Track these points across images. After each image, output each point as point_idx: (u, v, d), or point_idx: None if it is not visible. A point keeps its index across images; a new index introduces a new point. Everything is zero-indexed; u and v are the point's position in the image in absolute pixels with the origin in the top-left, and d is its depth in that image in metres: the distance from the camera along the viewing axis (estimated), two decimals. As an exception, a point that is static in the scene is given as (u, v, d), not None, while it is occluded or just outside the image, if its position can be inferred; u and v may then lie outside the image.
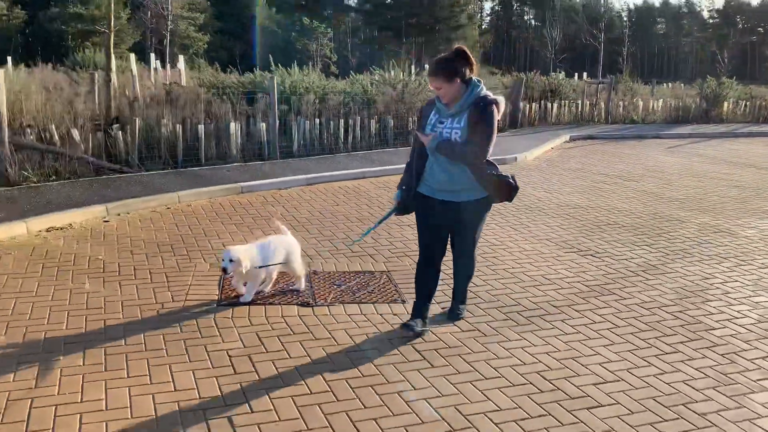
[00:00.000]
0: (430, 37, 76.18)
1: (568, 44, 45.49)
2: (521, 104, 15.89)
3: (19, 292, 4.47)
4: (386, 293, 4.73)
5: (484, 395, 3.37)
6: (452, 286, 4.42)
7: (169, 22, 40.25)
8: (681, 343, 4.12)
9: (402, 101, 12.42)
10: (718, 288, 5.15)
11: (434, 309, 4.36)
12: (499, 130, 14.35)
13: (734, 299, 4.92)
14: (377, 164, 9.83)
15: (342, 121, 11.16)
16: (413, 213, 4.13)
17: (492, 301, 4.70)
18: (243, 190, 7.84)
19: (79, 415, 3.00)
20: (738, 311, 4.68)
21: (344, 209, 7.31)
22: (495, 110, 3.77)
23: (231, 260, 4.18)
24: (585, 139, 14.42)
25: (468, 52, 3.81)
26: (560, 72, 20.72)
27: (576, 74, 25.57)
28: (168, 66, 21.58)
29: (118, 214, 6.54)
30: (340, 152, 10.84)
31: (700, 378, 3.66)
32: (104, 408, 3.08)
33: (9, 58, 23.56)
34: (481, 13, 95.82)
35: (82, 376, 3.36)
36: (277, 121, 10.12)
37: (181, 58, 16.72)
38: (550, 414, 3.21)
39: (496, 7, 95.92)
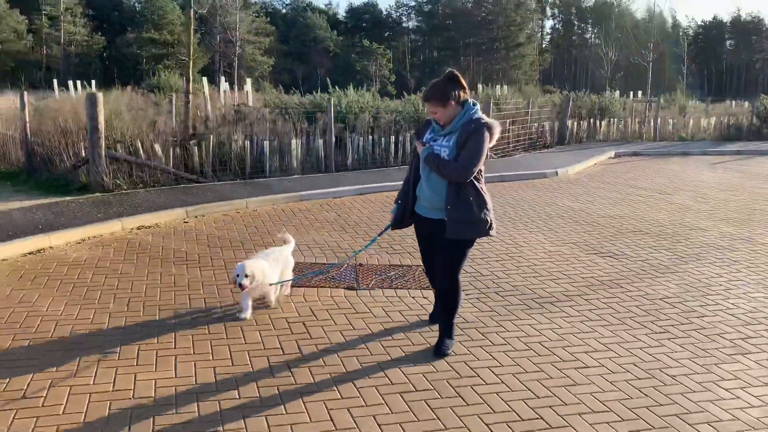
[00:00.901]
0: (488, 56, 76.89)
1: (625, 62, 45.30)
2: (568, 122, 16.43)
3: (121, 274, 5.51)
4: (420, 282, 5.55)
5: (491, 356, 4.14)
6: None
7: (237, 48, 42.39)
8: (671, 325, 4.76)
9: (450, 119, 13.21)
10: (720, 285, 5.73)
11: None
12: (547, 147, 14.94)
13: (733, 294, 5.49)
14: (424, 177, 10.67)
15: (393, 138, 12.08)
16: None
17: (511, 290, 5.45)
18: (302, 198, 8.83)
19: (193, 363, 3.95)
20: (733, 304, 5.27)
21: (388, 215, 8.16)
22: (485, 133, 3.86)
23: (245, 275, 4.38)
24: (630, 156, 14.86)
25: (459, 75, 3.94)
26: (614, 90, 21.13)
27: (631, 92, 25.80)
28: (236, 88, 23.18)
29: (196, 216, 7.62)
30: (390, 166, 11.76)
31: (680, 351, 4.31)
32: (211, 358, 4.01)
33: (93, 82, 25.73)
34: (541, 31, 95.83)
35: (192, 336, 4.32)
36: (334, 138, 11.14)
37: (248, 81, 18.06)
38: (543, 371, 3.95)
39: (557, 26, 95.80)
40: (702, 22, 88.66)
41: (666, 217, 8.46)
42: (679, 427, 3.34)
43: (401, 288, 5.38)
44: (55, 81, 25.88)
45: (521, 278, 5.77)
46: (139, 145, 9.50)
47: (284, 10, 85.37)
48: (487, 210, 4.01)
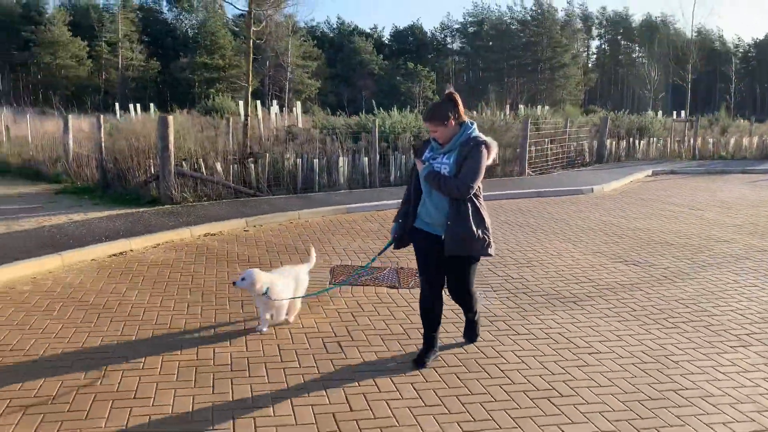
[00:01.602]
0: (532, 77, 77.12)
1: (668, 82, 45.08)
2: (606, 141, 16.84)
3: (193, 272, 6.33)
4: (455, 282, 6.19)
5: (514, 342, 4.74)
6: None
7: (289, 73, 43.98)
8: (682, 322, 5.27)
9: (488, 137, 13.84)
10: (735, 290, 6.18)
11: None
12: (585, 165, 15.40)
13: (745, 298, 5.95)
14: (463, 193, 11.32)
15: (434, 156, 12.76)
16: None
17: (537, 291, 6.03)
18: (348, 211, 9.58)
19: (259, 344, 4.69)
20: (744, 306, 5.72)
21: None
22: (483, 150, 3.99)
23: (243, 278, 4.61)
24: (667, 174, 15.19)
25: (455, 96, 4.10)
26: (657, 110, 21.41)
27: (674, 112, 25.93)
28: (285, 110, 24.33)
29: (254, 226, 8.44)
30: (431, 183, 12.43)
31: (685, 342, 4.83)
32: (275, 335, 4.74)
33: (152, 105, 27.27)
34: (587, 51, 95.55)
35: (244, 323, 5.08)
36: (378, 156, 11.90)
37: (298, 103, 19.08)
38: (559, 355, 4.53)
39: (603, 46, 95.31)
40: (753, 40, 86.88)
41: (694, 231, 8.88)
42: (674, 399, 3.87)
43: (438, 287, 6.03)
44: (117, 105, 27.51)
45: (548, 281, 6.35)
46: (202, 162, 10.44)
47: (331, 34, 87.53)
48: (486, 228, 4.12)
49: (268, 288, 4.62)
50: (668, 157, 17.92)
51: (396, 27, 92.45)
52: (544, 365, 4.33)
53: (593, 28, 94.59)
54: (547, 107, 23.98)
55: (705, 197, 11.83)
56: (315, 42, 72.00)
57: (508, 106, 25.12)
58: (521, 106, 23.80)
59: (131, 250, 7.00)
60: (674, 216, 9.95)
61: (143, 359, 4.22)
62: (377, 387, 3.92)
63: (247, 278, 4.61)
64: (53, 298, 5.40)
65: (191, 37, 75.74)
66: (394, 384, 3.95)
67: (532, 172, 14.33)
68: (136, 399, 3.67)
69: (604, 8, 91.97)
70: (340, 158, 11.61)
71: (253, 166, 10.72)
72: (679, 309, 5.58)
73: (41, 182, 12.05)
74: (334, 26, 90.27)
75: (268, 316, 4.79)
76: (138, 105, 25.30)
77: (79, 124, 17.80)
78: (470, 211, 4.06)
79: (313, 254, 5.32)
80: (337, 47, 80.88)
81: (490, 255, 4.22)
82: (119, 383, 3.86)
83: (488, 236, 4.16)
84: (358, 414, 3.57)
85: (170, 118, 9.45)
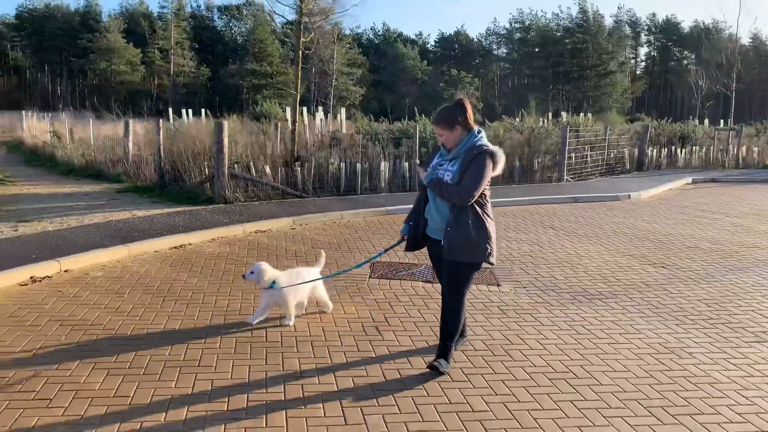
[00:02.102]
0: (578, 84, 76.52)
1: (716, 90, 44.24)
2: (647, 149, 16.93)
3: (246, 263, 6.90)
4: (486, 279, 6.60)
5: (538, 332, 5.13)
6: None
7: (334, 80, 44.90)
8: (702, 319, 5.57)
9: (528, 145, 14.20)
10: (759, 292, 6.43)
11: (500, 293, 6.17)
12: (625, 172, 15.57)
13: (767, 299, 6.20)
14: (499, 197, 11.68)
15: (473, 162, 13.17)
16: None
17: (565, 288, 6.40)
18: (388, 212, 10.08)
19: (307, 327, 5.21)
20: (765, 306, 5.97)
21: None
22: (488, 159, 4.00)
23: (252, 272, 4.91)
24: (707, 182, 15.21)
25: (465, 102, 4.14)
26: (704, 119, 21.30)
27: (722, 120, 25.67)
28: (330, 116, 25.03)
29: (300, 225, 9.01)
30: (470, 187, 12.82)
31: (702, 337, 5.14)
32: (320, 320, 5.26)
33: (204, 111, 28.34)
34: (635, 58, 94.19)
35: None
36: (418, 161, 12.36)
37: (342, 110, 19.70)
38: (580, 344, 4.90)
39: (653, 53, 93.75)
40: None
41: (726, 237, 9.06)
42: (683, 384, 4.21)
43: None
44: (170, 110, 28.68)
45: (576, 279, 6.71)
46: (252, 165, 11.10)
47: (376, 41, 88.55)
48: (487, 236, 4.11)
49: (274, 281, 4.91)
50: (711, 165, 17.86)
51: (441, 33, 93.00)
52: (565, 351, 4.72)
53: (642, 34, 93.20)
54: (590, 115, 24.07)
55: (742, 206, 11.91)
56: (360, 50, 72.99)
57: (550, 114, 25.28)
58: (563, 114, 23.95)
59: (189, 244, 7.63)
60: (708, 223, 10.12)
61: (204, 335, 4.78)
62: (410, 364, 4.39)
63: (255, 272, 4.92)
64: (123, 283, 6.03)
65: (240, 44, 77.67)
66: (425, 362, 4.40)
67: (571, 178, 14.57)
68: (200, 367, 4.22)
69: (653, 14, 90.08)
70: (382, 163, 12.13)
71: (299, 169, 11.32)
72: (701, 308, 5.88)
73: (103, 182, 12.93)
74: (379, 33, 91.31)
75: (268, 311, 5.09)
76: (190, 110, 26.35)
77: (134, 127, 18.82)
78: (470, 218, 4.07)
79: (323, 259, 5.44)
80: (381, 54, 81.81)
81: (491, 263, 4.18)
82: (185, 354, 4.42)
83: (490, 245, 4.12)
84: (392, 384, 4.05)
85: (226, 123, 10.13)
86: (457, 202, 4.02)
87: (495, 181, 12.92)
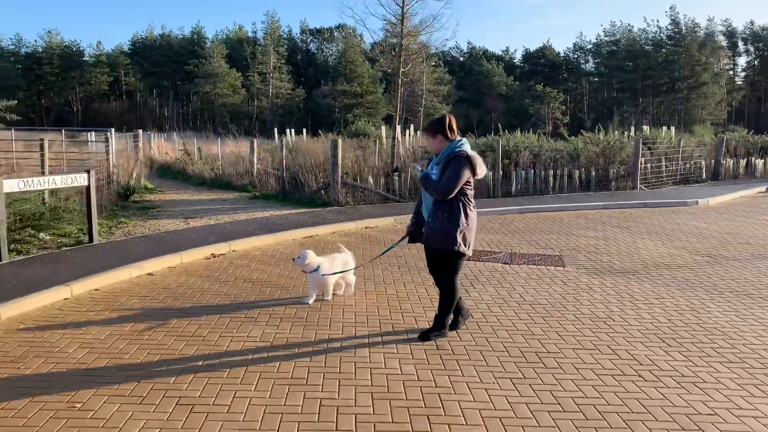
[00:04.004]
0: (668, 96, 75.03)
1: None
2: (723, 160, 17.76)
3: (361, 249, 8.85)
4: (555, 262, 8.22)
5: (591, 296, 6.73)
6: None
7: (423, 99, 47.06)
8: (729, 291, 6.94)
9: (602, 156, 15.54)
10: (787, 274, 7.69)
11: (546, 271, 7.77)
12: (699, 182, 16.69)
13: (793, 279, 7.47)
14: (574, 202, 13.17)
15: (552, 171, 14.69)
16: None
17: (618, 269, 7.90)
18: (475, 214, 11.80)
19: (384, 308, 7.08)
20: (788, 284, 7.27)
21: (540, 226, 10.88)
22: (464, 162, 4.73)
23: (299, 257, 5.84)
24: (781, 190, 15.93)
25: (447, 117, 4.94)
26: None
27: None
28: (419, 133, 27.03)
29: (401, 222, 10.91)
30: (548, 194, 14.36)
31: (725, 304, 6.53)
32: (394, 300, 7.10)
33: (304, 130, 31.08)
34: (733, 69, 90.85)
35: (366, 290, 7.47)
36: (501, 171, 14.03)
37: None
38: (622, 303, 6.46)
39: (754, 62, 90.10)
40: None
41: (779, 235, 10.18)
42: (706, 341, 5.58)
43: (540, 264, 8.12)
44: (275, 130, 31.59)
45: (630, 264, 8.19)
46: (357, 174, 13.15)
47: (461, 59, 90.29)
48: (459, 229, 4.82)
49: (318, 266, 5.81)
50: (791, 175, 18.40)
51: (527, 49, 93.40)
52: (607, 306, 6.31)
53: (739, 44, 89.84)
54: (672, 128, 24.78)
55: (809, 210, 12.77)
56: (446, 68, 74.93)
57: (633, 127, 26.12)
58: (644, 127, 24.79)
59: (317, 235, 9.70)
60: (767, 225, 11.19)
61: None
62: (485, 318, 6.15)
63: (302, 257, 5.81)
64: (276, 260, 8.11)
65: (332, 66, 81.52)
66: (481, 322, 6.14)
67: (645, 186, 15.74)
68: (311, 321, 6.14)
69: (752, 22, 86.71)
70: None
71: (397, 178, 13.28)
72: (730, 283, 7.26)
73: (233, 191, 15.38)
74: (465, 51, 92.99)
75: (316, 292, 6.09)
76: (292, 130, 29.09)
77: (238, 146, 21.56)
78: (446, 212, 4.83)
79: (344, 249, 6.45)
80: (466, 71, 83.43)
81: (461, 253, 4.89)
82: (307, 315, 6.37)
83: (458, 237, 4.82)
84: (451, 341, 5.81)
85: (339, 140, 12.24)
86: (435, 196, 4.82)
87: (572, 188, 14.35)
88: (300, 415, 3.78)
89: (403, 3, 13.09)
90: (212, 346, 4.93)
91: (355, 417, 3.77)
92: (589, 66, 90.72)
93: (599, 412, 3.91)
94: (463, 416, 3.82)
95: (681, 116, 71.05)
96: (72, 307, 5.83)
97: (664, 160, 16.83)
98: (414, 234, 5.26)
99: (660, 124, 39.94)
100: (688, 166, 17.40)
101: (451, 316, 5.33)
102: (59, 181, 7.56)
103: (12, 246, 7.44)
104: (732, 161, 18.14)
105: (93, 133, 28.83)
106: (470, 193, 4.94)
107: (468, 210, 4.93)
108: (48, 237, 8.22)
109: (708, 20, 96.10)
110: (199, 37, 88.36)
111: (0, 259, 6.92)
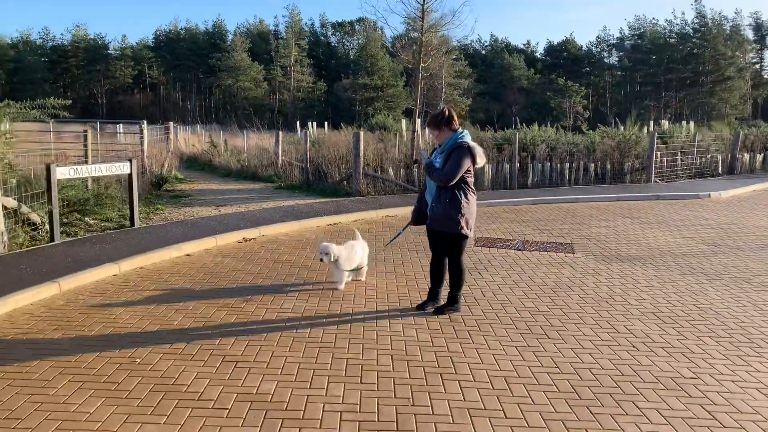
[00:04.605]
0: (692, 91, 74.37)
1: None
2: (738, 154, 18.00)
3: (382, 235, 9.38)
4: (566, 249, 8.70)
5: (597, 279, 7.20)
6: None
7: (443, 93, 47.38)
8: (727, 276, 7.38)
9: (618, 149, 15.90)
10: (787, 262, 8.09)
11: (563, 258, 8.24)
12: (714, 176, 17.05)
13: (791, 267, 7.87)
14: (588, 194, 13.58)
15: (567, 164, 15.10)
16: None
17: (624, 256, 8.35)
18: (489, 205, 12.29)
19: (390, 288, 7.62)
20: (786, 271, 7.68)
21: (553, 216, 11.33)
22: (465, 152, 5.18)
23: (326, 253, 6.08)
24: (795, 184, 16.17)
25: (447, 110, 5.39)
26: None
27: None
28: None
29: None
30: (563, 186, 14.78)
31: (722, 288, 6.98)
32: (412, 280, 7.64)
33: (325, 123, 31.71)
34: (761, 62, 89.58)
35: (399, 261, 8.00)
36: (517, 164, 14.47)
37: (451, 120, 22.04)
38: (625, 284, 6.93)
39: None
40: None
41: (785, 226, 10.53)
42: (699, 319, 6.13)
43: (551, 251, 8.60)
44: (298, 123, 32.27)
45: (636, 251, 8.64)
46: (378, 166, 13.69)
47: (483, 51, 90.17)
48: (460, 213, 5.26)
49: (338, 258, 6.17)
50: (807, 170, 18.57)
51: (550, 42, 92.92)
52: (610, 287, 6.79)
53: (767, 37, 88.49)
54: (691, 123, 24.96)
55: (819, 203, 13.05)
56: (467, 61, 74.97)
57: (651, 122, 26.32)
58: (664, 122, 24.99)
59: (340, 222, 10.27)
60: (776, 216, 11.53)
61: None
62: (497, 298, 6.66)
63: (325, 253, 6.12)
64: (302, 244, 8.68)
65: (352, 59, 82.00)
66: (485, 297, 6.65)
67: (659, 180, 16.08)
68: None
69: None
70: (486, 165, 14.33)
71: (415, 168, 13.78)
72: (731, 270, 7.68)
73: (258, 182, 16.01)
74: (487, 43, 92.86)
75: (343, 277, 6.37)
76: (314, 123, 29.73)
77: (261, 138, 22.19)
78: (448, 198, 5.26)
79: (359, 235, 6.82)
80: (488, 64, 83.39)
81: (463, 235, 5.36)
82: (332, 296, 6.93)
83: (461, 220, 5.28)
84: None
85: (362, 133, 12.78)
86: (439, 182, 5.27)
87: (587, 181, 14.73)
88: (329, 371, 4.34)
89: (423, 0, 13.57)
90: (249, 315, 5.52)
91: (377, 373, 4.33)
92: (613, 59, 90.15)
93: (593, 374, 4.42)
94: (472, 375, 4.35)
95: (704, 110, 70.45)
96: (121, 283, 6.46)
97: (679, 154, 17.12)
98: (417, 218, 5.75)
99: (682, 119, 39.91)
100: (704, 160, 17.67)
101: (462, 293, 5.85)
102: (105, 170, 8.21)
103: (62, 229, 8.10)
104: (749, 156, 18.36)
105: (121, 125, 29.83)
106: (470, 180, 5.39)
107: (469, 196, 5.37)
108: (92, 221, 8.89)
109: (735, 13, 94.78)
110: (220, 31, 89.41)
111: (53, 239, 7.59)
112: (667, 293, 6.65)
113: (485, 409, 3.85)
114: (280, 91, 76.78)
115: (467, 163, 5.24)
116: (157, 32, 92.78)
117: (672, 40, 79.39)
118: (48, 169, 7.41)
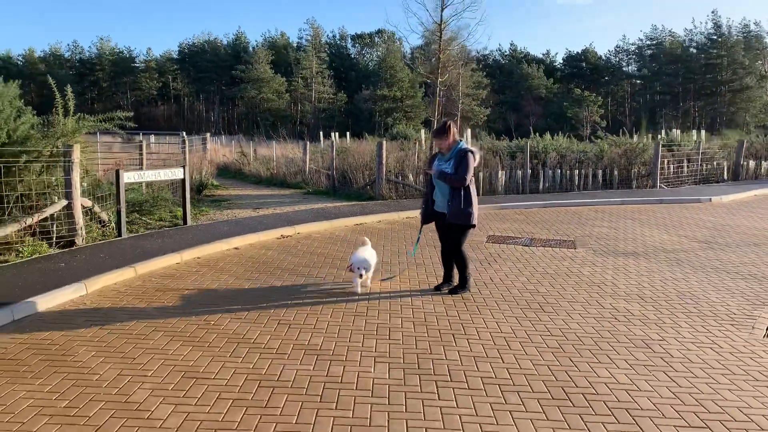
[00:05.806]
0: (710, 100, 74.64)
1: None
2: (743, 161, 18.83)
3: (405, 234, 10.47)
4: (568, 245, 9.72)
5: (592, 269, 8.21)
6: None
7: (460, 103, 48.47)
8: (712, 269, 8.34)
9: (624, 157, 16.86)
10: (763, 261, 9.02)
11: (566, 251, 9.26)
12: (718, 181, 17.99)
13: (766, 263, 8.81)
14: (595, 198, 14.55)
15: (577, 171, 16.09)
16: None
17: (622, 251, 9.34)
18: (502, 208, 13.33)
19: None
20: (764, 263, 8.62)
21: (560, 218, 12.35)
22: (470, 156, 6.23)
23: (361, 268, 6.60)
24: (796, 190, 16.97)
25: (449, 124, 6.39)
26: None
27: None
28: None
29: (437, 214, 12.51)
30: (573, 191, 15.76)
31: (705, 279, 7.95)
32: (430, 266, 8.71)
33: (347, 134, 32.98)
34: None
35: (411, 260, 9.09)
36: (529, 171, 15.50)
37: (468, 131, 23.12)
38: (618, 274, 7.93)
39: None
40: None
41: (775, 227, 11.43)
42: (677, 300, 7.14)
43: (555, 246, 9.62)
44: (321, 133, 33.58)
45: (633, 246, 9.62)
46: (399, 173, 14.81)
47: (503, 61, 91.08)
48: (471, 207, 6.32)
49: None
50: (810, 176, 19.32)
51: (569, 51, 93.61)
52: (604, 276, 7.80)
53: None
54: (703, 132, 25.76)
55: (814, 207, 13.88)
56: (485, 72, 75.96)
57: (663, 131, 27.16)
58: (675, 131, 25.83)
59: (365, 223, 11.39)
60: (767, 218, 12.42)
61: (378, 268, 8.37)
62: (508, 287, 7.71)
63: (361, 267, 6.65)
64: (333, 240, 9.80)
65: (372, 71, 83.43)
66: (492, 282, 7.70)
67: (665, 185, 16.98)
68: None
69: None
70: (500, 171, 15.39)
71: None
72: (715, 263, 8.63)
73: (288, 188, 17.22)
74: (506, 52, 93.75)
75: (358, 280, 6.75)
76: (336, 133, 31.00)
77: (285, 148, 23.47)
78: (462, 196, 6.31)
79: (367, 241, 7.21)
80: (506, 73, 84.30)
81: (473, 225, 6.43)
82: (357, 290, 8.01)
83: (472, 213, 6.36)
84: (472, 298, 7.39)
85: (384, 142, 13.92)
86: (455, 185, 6.28)
87: (596, 186, 15.68)
88: (363, 331, 5.45)
89: (441, 20, 14.71)
90: (294, 293, 6.64)
91: (402, 333, 5.42)
92: (632, 68, 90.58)
93: (577, 336, 5.47)
94: (478, 334, 5.43)
95: (723, 120, 70.69)
96: (184, 269, 7.64)
97: (685, 161, 18.01)
98: (426, 219, 6.83)
99: (698, 128, 40.52)
100: (709, 167, 18.52)
101: (470, 274, 6.90)
102: (163, 175, 9.44)
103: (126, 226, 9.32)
104: (753, 162, 19.15)
105: (152, 135, 31.37)
106: (472, 179, 6.50)
107: (473, 193, 6.46)
108: (149, 220, 10.12)
109: (755, 23, 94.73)
110: (242, 43, 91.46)
111: (120, 234, 8.80)
112: (652, 280, 7.64)
113: (487, 357, 4.92)
114: (302, 102, 78.40)
115: (474, 164, 6.35)
116: (181, 45, 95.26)
117: (692, 50, 79.69)
118: (117, 173, 8.63)
